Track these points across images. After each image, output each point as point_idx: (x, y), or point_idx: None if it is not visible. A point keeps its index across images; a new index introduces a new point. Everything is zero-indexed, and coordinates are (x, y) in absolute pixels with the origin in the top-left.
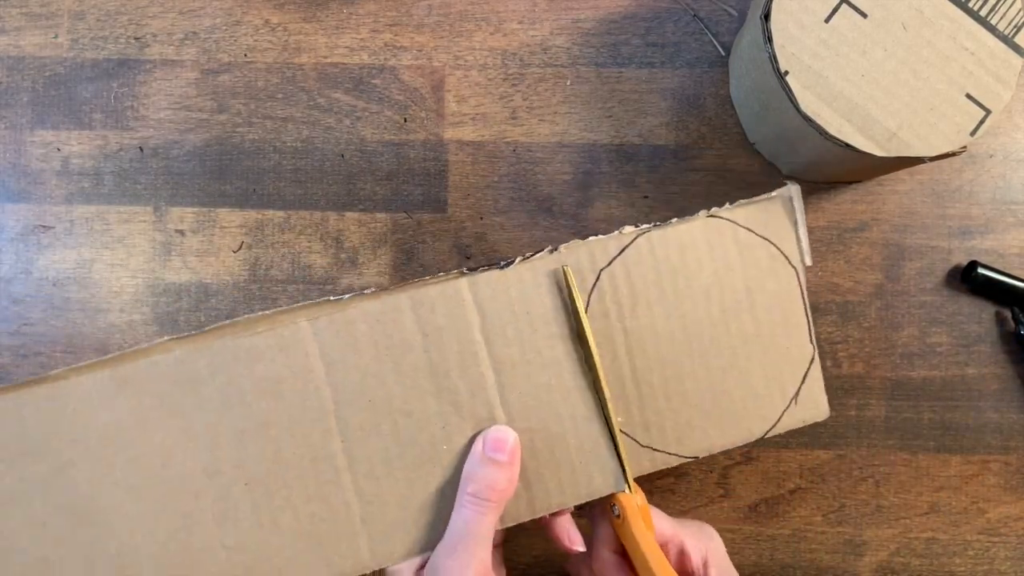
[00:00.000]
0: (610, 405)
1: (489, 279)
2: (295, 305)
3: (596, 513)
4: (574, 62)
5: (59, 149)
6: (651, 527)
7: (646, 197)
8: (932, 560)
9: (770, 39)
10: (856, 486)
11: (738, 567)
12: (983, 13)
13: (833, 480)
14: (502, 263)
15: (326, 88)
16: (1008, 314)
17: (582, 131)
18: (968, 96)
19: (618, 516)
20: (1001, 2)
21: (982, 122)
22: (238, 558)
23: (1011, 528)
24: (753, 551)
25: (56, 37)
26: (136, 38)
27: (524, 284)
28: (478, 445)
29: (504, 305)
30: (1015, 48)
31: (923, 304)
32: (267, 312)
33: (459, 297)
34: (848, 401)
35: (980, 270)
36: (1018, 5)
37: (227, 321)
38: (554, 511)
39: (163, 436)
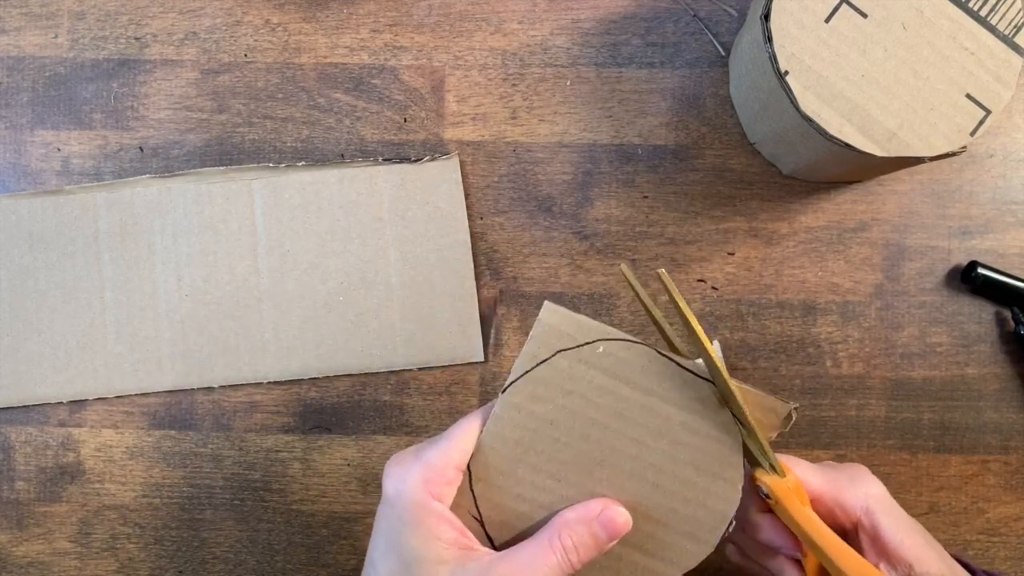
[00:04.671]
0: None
1: None
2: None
3: None
4: (574, 62)
5: (59, 149)
6: (806, 501)
7: (646, 197)
8: None
9: (770, 39)
10: None
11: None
12: (983, 13)
13: None
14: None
15: (326, 88)
16: (1008, 314)
17: (582, 131)
18: (968, 96)
19: (769, 498)
20: (1001, 2)
21: (982, 122)
22: (178, 351)
23: (1011, 528)
24: None
25: (56, 37)
26: (136, 38)
27: None
28: (594, 508)
29: None
30: (1015, 48)
31: (923, 304)
32: (222, 168)
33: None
34: (848, 401)
35: (980, 270)
36: (1018, 5)
37: (192, 170)
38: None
39: (136, 249)
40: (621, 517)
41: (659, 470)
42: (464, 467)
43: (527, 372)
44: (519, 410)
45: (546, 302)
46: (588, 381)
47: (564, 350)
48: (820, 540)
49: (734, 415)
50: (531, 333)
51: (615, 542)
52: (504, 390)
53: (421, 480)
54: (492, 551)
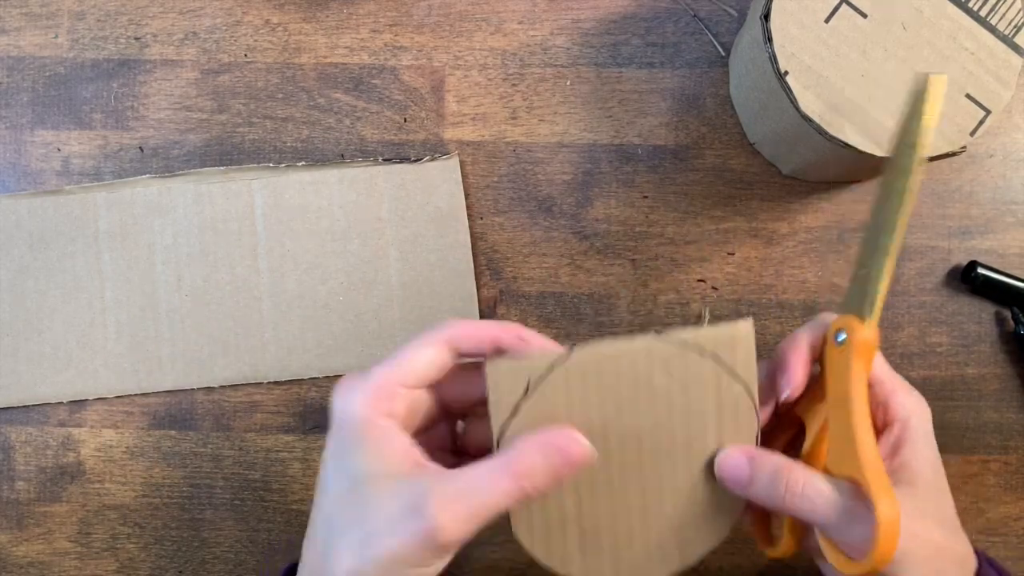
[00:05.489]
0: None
1: None
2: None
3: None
4: (574, 62)
5: (59, 149)
6: (869, 368)
7: (646, 197)
8: None
9: (770, 39)
10: None
11: (737, 568)
12: (983, 13)
13: None
14: None
15: (326, 88)
16: (1008, 314)
17: (582, 131)
18: (968, 96)
19: (840, 343)
20: (1001, 2)
21: (982, 122)
22: (178, 351)
23: (1011, 528)
24: (753, 551)
25: (56, 37)
26: (136, 38)
27: None
28: (554, 433)
29: None
30: (1015, 48)
31: (923, 304)
32: (222, 168)
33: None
34: None
35: (980, 270)
36: (1018, 5)
37: (193, 170)
38: None
39: (136, 249)
40: (579, 445)
41: (660, 488)
42: (412, 387)
43: (509, 418)
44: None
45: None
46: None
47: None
48: (858, 410)
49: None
50: (490, 389)
51: (571, 471)
52: (498, 443)
53: (368, 398)
54: (441, 468)
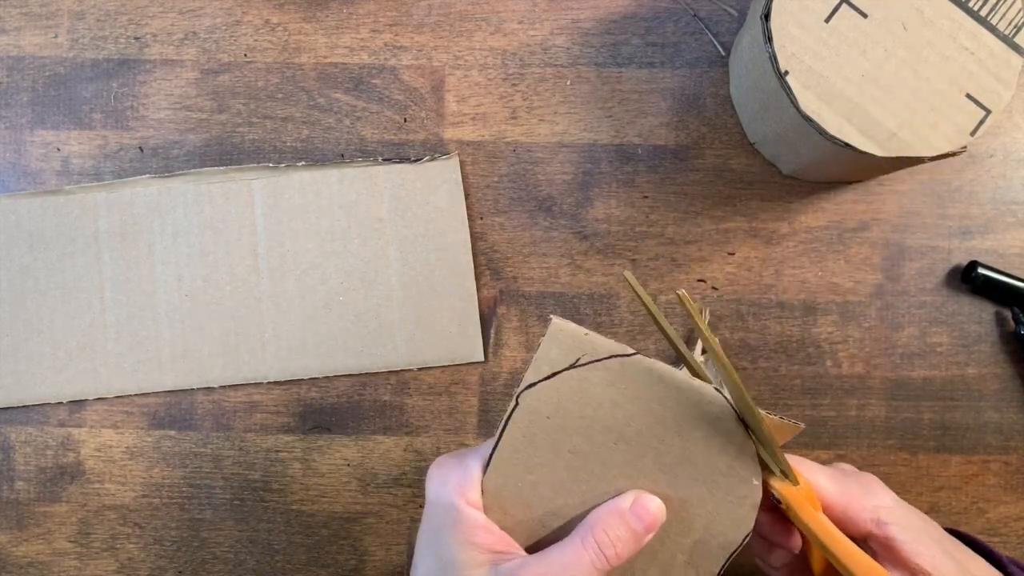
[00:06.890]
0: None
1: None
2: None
3: None
4: (574, 62)
5: (59, 149)
6: (819, 507)
7: (646, 197)
8: None
9: (770, 39)
10: None
11: (738, 568)
12: (983, 13)
13: None
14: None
15: (326, 88)
16: (1008, 314)
17: (582, 131)
18: (968, 96)
19: (780, 503)
20: (1001, 2)
21: (982, 122)
22: (178, 351)
23: (1011, 528)
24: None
25: (56, 37)
26: (136, 38)
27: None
28: (626, 500)
29: None
30: (1015, 48)
31: (923, 304)
32: (222, 168)
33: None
34: (848, 401)
35: (980, 270)
36: (1018, 5)
37: (192, 170)
38: None
39: (136, 250)
40: (653, 504)
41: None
42: None
43: (543, 380)
44: (536, 415)
45: (554, 318)
46: (610, 397)
47: (582, 364)
48: (834, 546)
49: (747, 425)
50: (545, 343)
51: (652, 534)
52: (518, 396)
53: (458, 486)
54: (526, 554)
